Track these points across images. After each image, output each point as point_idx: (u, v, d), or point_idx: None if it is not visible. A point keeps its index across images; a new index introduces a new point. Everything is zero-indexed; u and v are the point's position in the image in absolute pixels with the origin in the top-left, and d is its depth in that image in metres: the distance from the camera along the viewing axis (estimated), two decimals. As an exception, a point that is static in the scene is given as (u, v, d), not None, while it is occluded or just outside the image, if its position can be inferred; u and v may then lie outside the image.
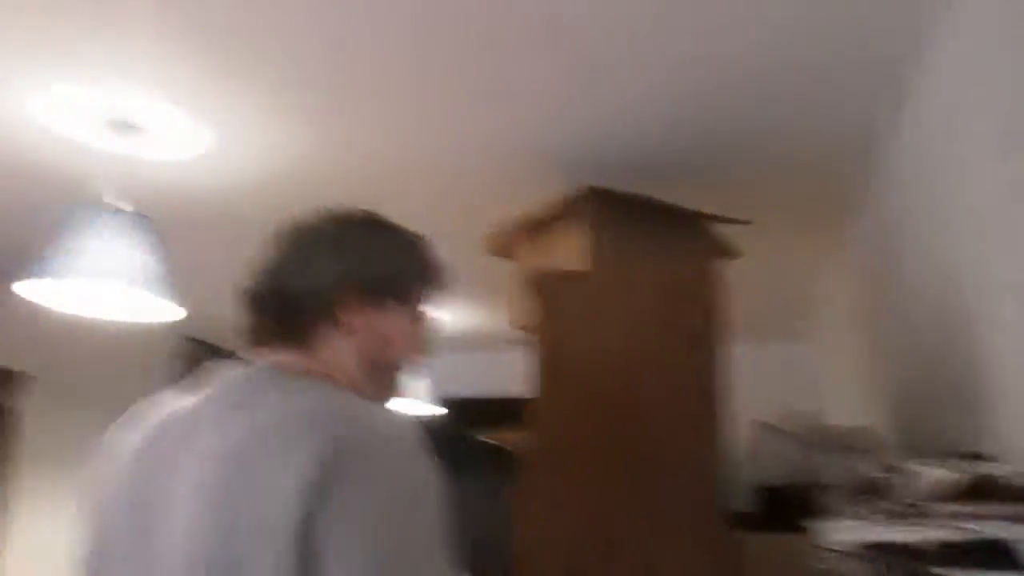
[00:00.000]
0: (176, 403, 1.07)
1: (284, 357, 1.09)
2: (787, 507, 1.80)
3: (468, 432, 3.71)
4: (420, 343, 1.18)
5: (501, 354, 5.39)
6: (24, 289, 2.10)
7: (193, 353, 5.19)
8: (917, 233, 2.09)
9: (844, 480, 1.12)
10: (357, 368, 1.11)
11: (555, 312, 1.77)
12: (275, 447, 0.91)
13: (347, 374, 1.10)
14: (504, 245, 2.43)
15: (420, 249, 1.19)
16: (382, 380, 1.14)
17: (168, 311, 2.26)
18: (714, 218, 2.18)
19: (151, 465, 1.01)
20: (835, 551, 1.13)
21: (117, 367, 4.53)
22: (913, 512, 0.84)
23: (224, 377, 1.05)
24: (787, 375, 4.16)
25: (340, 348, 1.10)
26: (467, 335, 4.93)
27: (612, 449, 1.67)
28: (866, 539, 0.88)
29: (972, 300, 1.60)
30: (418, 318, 1.18)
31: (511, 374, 5.32)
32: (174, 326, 4.88)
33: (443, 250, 3.20)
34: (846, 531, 1.10)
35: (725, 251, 2.36)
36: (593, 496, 1.66)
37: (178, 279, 2.24)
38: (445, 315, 4.40)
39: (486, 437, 2.45)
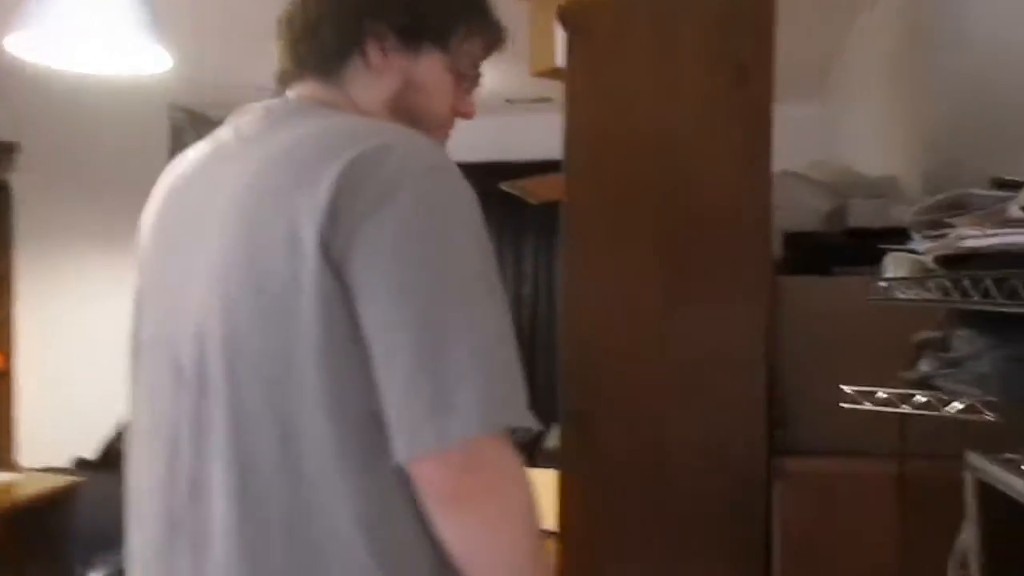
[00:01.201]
0: (201, 149, 1.03)
1: (308, 90, 1.03)
2: (818, 252, 1.76)
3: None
4: (459, 101, 1.08)
5: (514, 116, 5.21)
6: (11, 45, 1.94)
7: (181, 121, 5.01)
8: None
9: (911, 211, 1.05)
10: (384, 111, 1.03)
11: (585, 45, 1.62)
12: (295, 168, 0.87)
13: (374, 115, 1.02)
14: (518, -16, 2.23)
15: None
16: None
17: (157, 60, 2.09)
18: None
19: (182, 210, 1.00)
20: (898, 280, 1.08)
21: (105, 135, 4.37)
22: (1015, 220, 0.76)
23: (245, 112, 1.01)
24: (806, 133, 4.05)
25: (369, 87, 1.02)
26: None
27: (654, 190, 1.60)
28: (957, 250, 0.82)
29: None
30: (459, 70, 1.07)
31: (525, 138, 5.20)
32: (162, 92, 4.65)
33: None
34: (914, 255, 1.05)
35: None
36: (635, 243, 1.61)
37: (164, 37, 2.06)
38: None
39: (507, 186, 2.37)
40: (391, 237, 0.82)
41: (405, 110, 1.04)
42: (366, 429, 0.84)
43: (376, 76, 1.02)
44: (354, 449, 0.85)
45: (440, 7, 1.04)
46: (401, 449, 0.82)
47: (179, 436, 0.91)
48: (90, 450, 4.08)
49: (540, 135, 5.08)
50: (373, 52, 1.01)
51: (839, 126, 4.01)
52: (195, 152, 1.04)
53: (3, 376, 3.37)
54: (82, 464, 3.98)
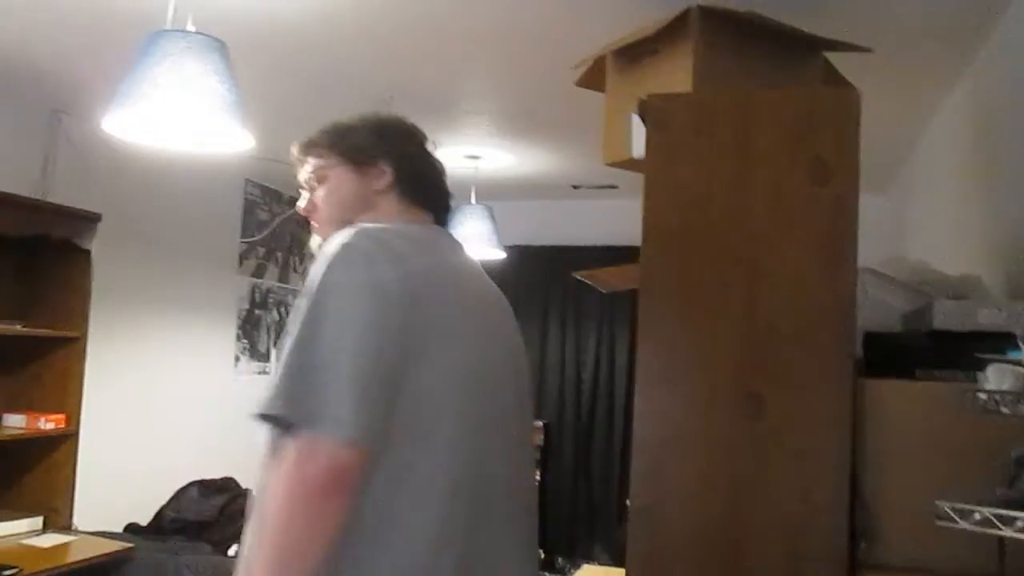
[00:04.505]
0: (433, 247, 1.37)
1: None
2: (901, 354, 1.70)
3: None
4: None
5: (579, 201, 5.24)
6: (108, 124, 2.02)
7: (255, 196, 5.16)
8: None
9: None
10: None
11: (665, 138, 1.62)
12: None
13: None
14: (595, 76, 2.26)
15: None
16: None
17: (240, 140, 2.16)
18: (834, 44, 1.98)
19: (469, 304, 1.33)
20: (1002, 393, 1.03)
21: (183, 208, 4.51)
22: None
23: (435, 232, 1.45)
24: (874, 225, 4.00)
25: None
26: (542, 180, 4.76)
27: (729, 285, 1.57)
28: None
29: None
30: None
31: (589, 223, 5.22)
32: (239, 168, 4.81)
33: (528, 86, 3.04)
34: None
35: (839, 83, 2.16)
36: (713, 337, 1.57)
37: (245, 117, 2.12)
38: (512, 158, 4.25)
39: (581, 275, 2.36)
40: None
41: None
42: None
43: None
44: None
45: None
46: None
47: (528, 494, 1.36)
48: (143, 515, 4.09)
49: (604, 221, 5.12)
50: None
51: (908, 220, 3.94)
52: (431, 243, 1.38)
53: (69, 438, 3.41)
54: (133, 529, 3.99)
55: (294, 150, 1.52)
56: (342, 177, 1.44)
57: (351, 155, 1.44)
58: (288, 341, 1.17)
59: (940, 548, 1.28)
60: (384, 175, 1.43)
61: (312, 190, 1.48)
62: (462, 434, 1.22)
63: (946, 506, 1.12)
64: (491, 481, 1.26)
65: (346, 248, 1.21)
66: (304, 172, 1.49)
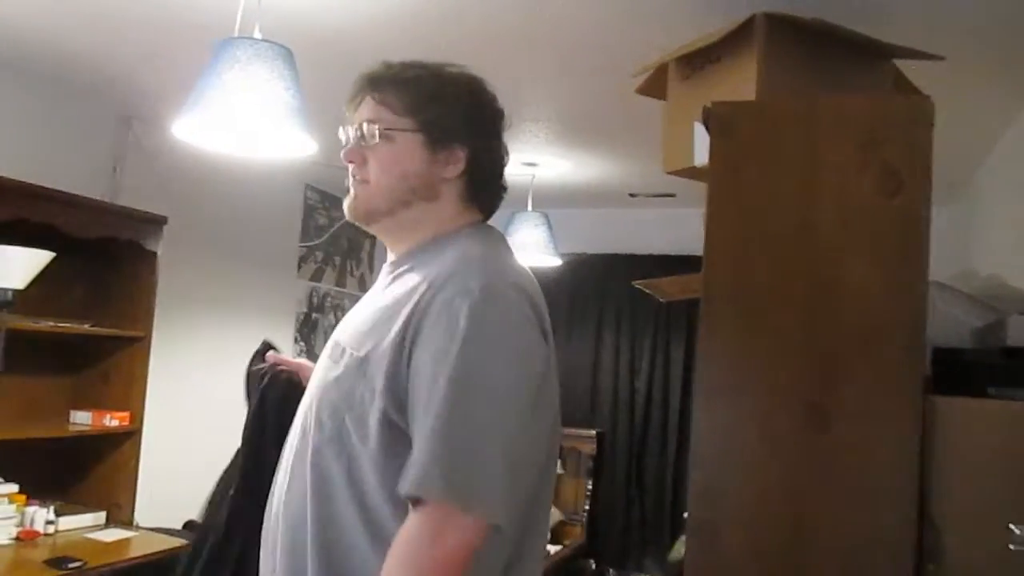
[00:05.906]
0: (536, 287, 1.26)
1: None
2: (971, 371, 1.64)
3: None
4: None
5: (636, 210, 5.20)
6: (177, 129, 2.07)
7: (314, 200, 5.23)
8: None
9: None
10: None
11: (729, 146, 1.60)
12: None
13: None
14: (656, 84, 2.24)
15: None
16: None
17: (304, 146, 2.19)
18: (904, 52, 1.93)
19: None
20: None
21: (245, 211, 4.60)
22: None
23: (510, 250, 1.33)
24: (938, 239, 3.89)
25: None
26: (599, 187, 4.73)
27: (793, 296, 1.54)
28: None
29: None
30: None
31: (645, 232, 5.18)
32: (299, 173, 4.88)
33: (587, 93, 3.04)
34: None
35: (910, 92, 2.11)
36: (776, 351, 1.54)
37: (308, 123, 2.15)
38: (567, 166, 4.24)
39: (640, 284, 2.34)
40: None
41: None
42: None
43: None
44: None
45: None
46: None
47: None
48: (200, 513, 4.16)
49: (661, 229, 5.08)
50: None
51: (976, 234, 3.82)
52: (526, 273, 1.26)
53: (133, 435, 3.49)
54: (190, 526, 4.06)
55: (358, 81, 1.31)
56: (411, 149, 1.24)
57: (430, 130, 1.25)
58: (436, 408, 1.07)
59: (1013, 574, 1.24)
60: (457, 163, 1.26)
61: (366, 139, 1.26)
62: (548, 496, 1.29)
63: (1021, 530, 1.08)
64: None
65: (493, 304, 1.12)
66: (361, 112, 1.29)
